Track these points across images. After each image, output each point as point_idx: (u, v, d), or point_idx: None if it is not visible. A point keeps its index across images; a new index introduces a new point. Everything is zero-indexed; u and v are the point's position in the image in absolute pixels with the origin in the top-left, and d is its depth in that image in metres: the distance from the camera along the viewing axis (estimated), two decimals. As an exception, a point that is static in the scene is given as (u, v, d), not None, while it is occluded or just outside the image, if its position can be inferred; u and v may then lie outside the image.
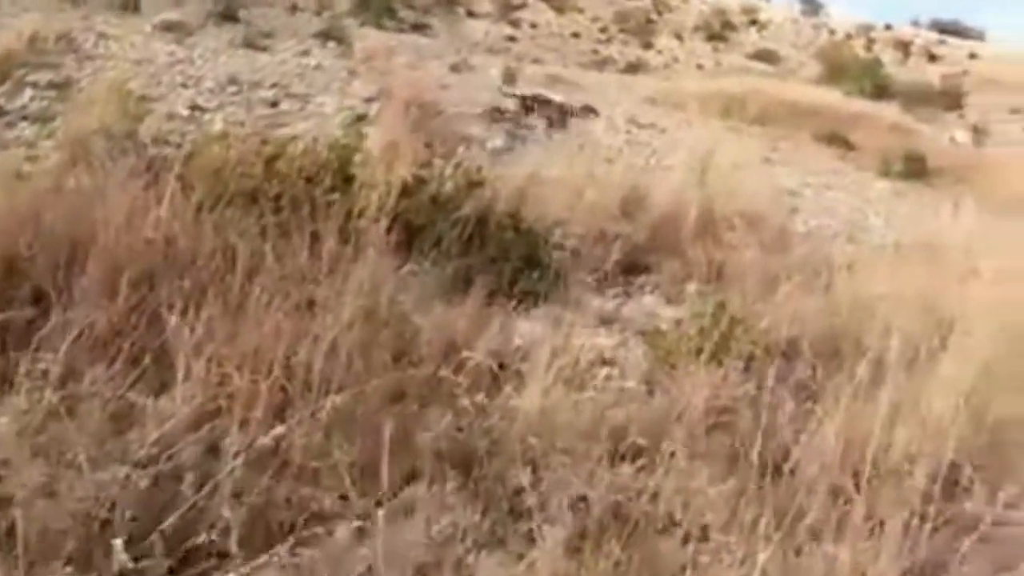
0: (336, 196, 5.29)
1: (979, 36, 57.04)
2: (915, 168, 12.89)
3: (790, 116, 15.89)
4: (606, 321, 5.76)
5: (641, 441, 4.12)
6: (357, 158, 6.00)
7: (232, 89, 11.93)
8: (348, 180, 5.65)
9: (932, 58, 47.35)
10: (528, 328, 5.46)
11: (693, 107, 15.48)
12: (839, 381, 4.62)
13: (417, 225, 5.76)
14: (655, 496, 3.63)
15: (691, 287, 6.47)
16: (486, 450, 3.74)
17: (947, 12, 51.45)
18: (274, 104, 11.40)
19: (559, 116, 12.83)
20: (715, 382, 4.64)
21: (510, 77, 17.06)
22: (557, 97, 14.91)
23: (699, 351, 4.87)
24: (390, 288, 4.74)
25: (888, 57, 42.85)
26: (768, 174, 10.71)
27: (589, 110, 14.14)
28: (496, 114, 11.80)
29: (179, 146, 6.45)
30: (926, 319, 5.27)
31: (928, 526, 3.67)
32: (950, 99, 33.44)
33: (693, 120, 14.48)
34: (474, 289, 5.18)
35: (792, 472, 3.94)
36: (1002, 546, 3.91)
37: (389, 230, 5.14)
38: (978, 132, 20.11)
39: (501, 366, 4.41)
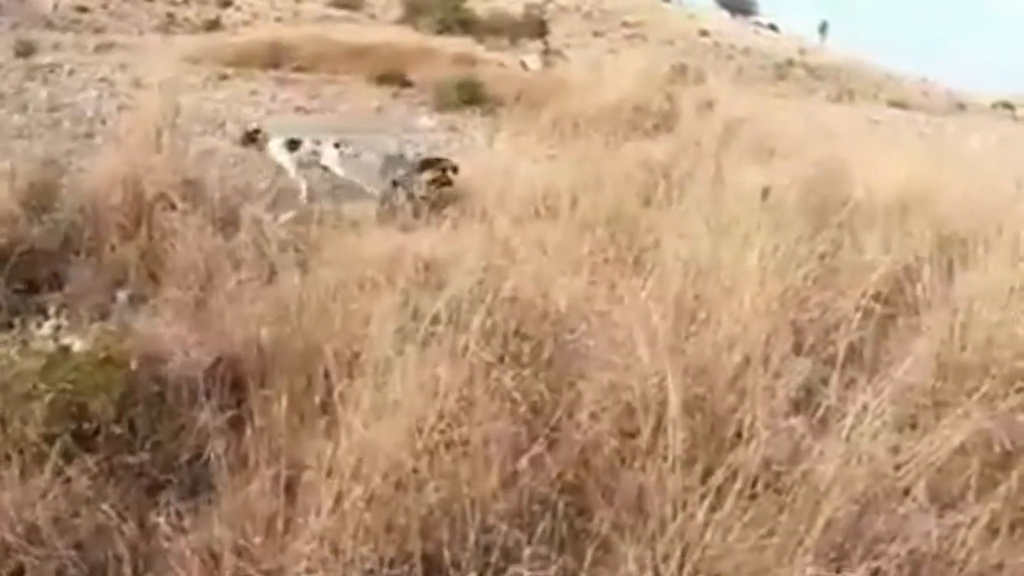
0: None
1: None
2: (470, 98, 11.92)
3: (346, 59, 14.45)
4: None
5: None
6: None
7: None
8: None
9: (513, -12, 47.98)
10: None
11: (234, 60, 13.71)
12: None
13: None
14: None
15: (120, 296, 4.78)
16: None
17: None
18: None
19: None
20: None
21: (28, 50, 14.72)
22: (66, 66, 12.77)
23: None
24: None
25: (472, -9, 42.90)
26: (293, 125, 9.14)
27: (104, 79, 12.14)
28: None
29: None
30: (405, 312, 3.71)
31: None
32: (533, 28, 33.65)
33: (230, 74, 12.72)
34: None
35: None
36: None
37: None
38: (550, 56, 19.65)
39: None
